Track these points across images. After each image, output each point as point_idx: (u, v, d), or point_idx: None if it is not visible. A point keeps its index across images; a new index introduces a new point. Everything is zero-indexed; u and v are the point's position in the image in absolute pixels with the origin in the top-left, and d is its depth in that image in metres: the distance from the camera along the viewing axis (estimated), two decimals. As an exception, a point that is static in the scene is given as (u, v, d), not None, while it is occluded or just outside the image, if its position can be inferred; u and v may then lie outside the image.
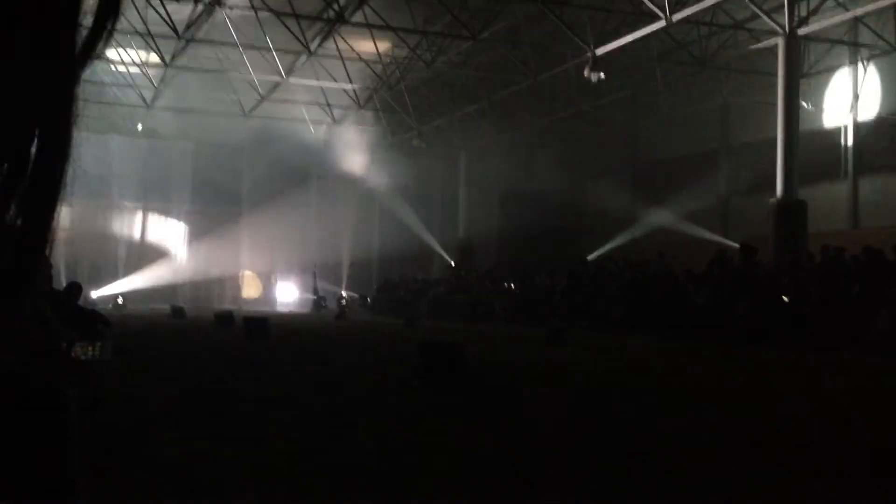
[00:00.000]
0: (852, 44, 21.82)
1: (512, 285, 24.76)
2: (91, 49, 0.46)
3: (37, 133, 0.43)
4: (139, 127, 30.94)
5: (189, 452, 4.76)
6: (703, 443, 5.37)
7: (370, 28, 21.22)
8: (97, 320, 10.26)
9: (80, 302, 11.37)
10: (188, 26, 21.77)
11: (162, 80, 25.69)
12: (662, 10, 18.26)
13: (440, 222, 35.86)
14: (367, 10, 19.97)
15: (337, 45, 22.97)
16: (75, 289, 10.10)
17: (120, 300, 28.66)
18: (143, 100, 27.39)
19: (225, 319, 17.96)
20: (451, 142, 34.37)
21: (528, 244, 32.82)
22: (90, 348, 8.01)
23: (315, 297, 31.96)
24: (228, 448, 4.93)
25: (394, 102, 29.37)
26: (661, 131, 28.75)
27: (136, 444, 5.00)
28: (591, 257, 25.88)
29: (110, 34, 0.48)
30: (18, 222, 0.43)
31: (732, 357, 12.09)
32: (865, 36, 21.32)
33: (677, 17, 18.25)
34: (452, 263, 33.02)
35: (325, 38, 22.06)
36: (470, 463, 4.57)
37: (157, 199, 32.33)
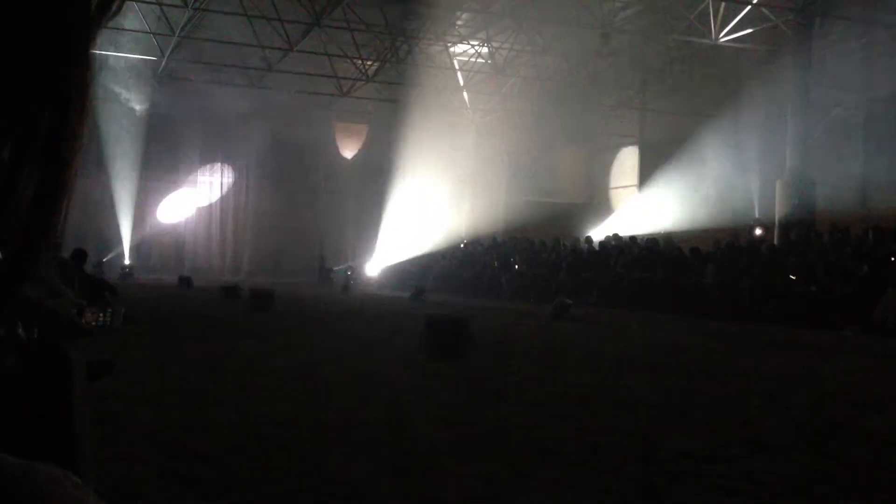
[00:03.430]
0: (864, 21, 21.58)
1: (518, 260, 24.74)
2: (104, 12, 0.45)
3: (50, 97, 0.43)
4: (146, 98, 30.84)
5: (196, 420, 4.79)
6: (705, 418, 5.39)
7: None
8: (104, 288, 10.31)
9: (89, 270, 11.42)
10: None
11: (171, 49, 25.61)
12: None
13: (449, 195, 35.77)
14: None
15: (345, 16, 22.85)
16: (81, 255, 10.13)
17: (127, 269, 28.74)
18: (151, 68, 27.33)
19: (231, 291, 18.01)
20: (462, 115, 34.24)
21: (538, 218, 32.80)
22: (101, 315, 8.05)
23: (321, 269, 32.03)
24: (234, 417, 4.96)
25: (403, 75, 29.23)
26: (670, 105, 28.54)
27: (144, 411, 5.03)
28: (595, 234, 25.81)
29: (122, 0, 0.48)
30: (31, 189, 0.43)
31: (737, 335, 12.10)
32: (878, 13, 21.08)
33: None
34: (465, 237, 32.97)
35: (333, 8, 21.93)
36: (476, 435, 4.59)
37: (164, 169, 32.28)
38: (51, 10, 0.42)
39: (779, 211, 18.15)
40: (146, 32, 23.82)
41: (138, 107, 30.72)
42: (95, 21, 0.44)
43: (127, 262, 29.98)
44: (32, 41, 0.41)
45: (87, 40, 0.44)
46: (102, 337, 8.28)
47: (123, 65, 27.21)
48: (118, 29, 24.03)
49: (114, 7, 0.46)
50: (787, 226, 17.35)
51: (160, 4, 21.67)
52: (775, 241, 17.35)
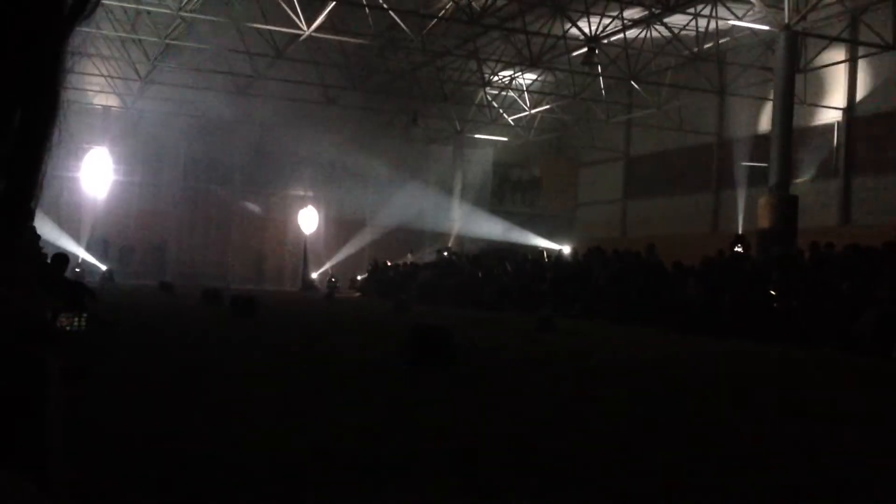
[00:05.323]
0: (849, 41, 21.83)
1: (505, 268, 24.73)
2: (80, 11, 0.44)
3: (24, 94, 0.42)
4: (132, 101, 30.75)
5: (172, 428, 4.75)
6: (686, 432, 5.40)
7: (367, 8, 21.09)
8: (83, 293, 10.23)
9: (68, 274, 11.33)
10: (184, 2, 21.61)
11: (156, 55, 25.52)
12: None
13: (433, 206, 35.87)
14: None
15: (333, 25, 22.85)
16: (62, 260, 10.06)
17: (108, 275, 28.53)
18: (137, 73, 27.22)
19: (212, 296, 17.94)
20: (447, 125, 34.32)
21: (520, 229, 32.88)
22: (75, 319, 7.99)
23: (304, 278, 31.97)
24: (213, 423, 4.92)
25: (390, 84, 29.28)
26: (655, 123, 28.75)
27: (120, 417, 4.99)
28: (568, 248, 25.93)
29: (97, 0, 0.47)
30: (2, 185, 0.42)
31: (717, 349, 12.15)
32: (862, 33, 21.33)
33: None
34: (449, 246, 33.01)
35: (321, 18, 21.93)
36: (456, 446, 4.58)
37: (147, 174, 32.16)
38: (23, 12, 0.41)
39: (761, 226, 18.27)
40: (133, 37, 23.72)
41: (127, 111, 30.50)
42: (68, 23, 0.43)
43: (104, 266, 29.70)
44: (4, 42, 0.41)
45: (60, 42, 0.43)
46: (79, 342, 8.22)
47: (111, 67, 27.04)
48: (105, 34, 23.95)
49: (87, 9, 0.45)
50: (769, 241, 17.46)
51: (147, 8, 21.56)
52: (757, 256, 17.45)
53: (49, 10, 0.43)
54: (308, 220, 33.81)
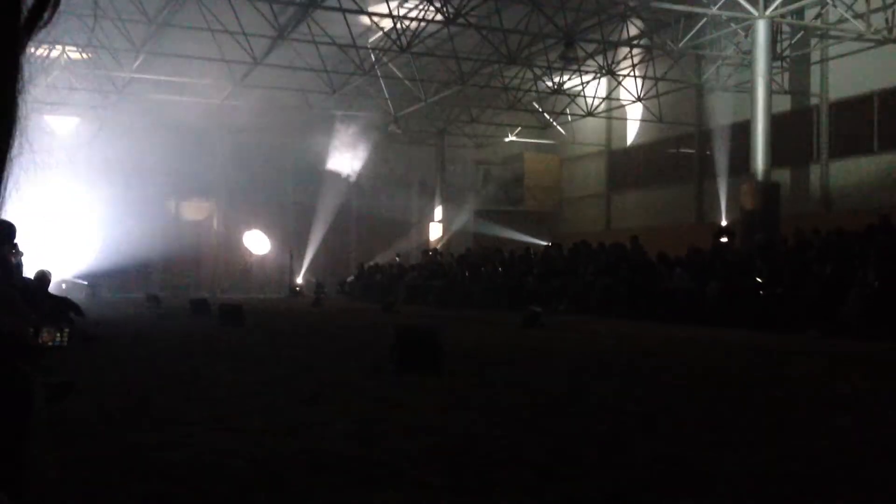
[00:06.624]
0: (825, 27, 21.94)
1: (492, 265, 24.74)
2: (36, 19, 0.43)
3: None
4: (109, 114, 30.55)
5: (161, 439, 4.72)
6: (675, 422, 5.41)
7: (343, 12, 21.03)
8: (68, 308, 10.17)
9: (52, 289, 11.24)
10: (160, 10, 21.48)
11: (133, 64, 25.35)
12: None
13: (418, 207, 35.86)
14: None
15: (311, 30, 22.78)
16: (45, 276, 10.00)
17: (90, 287, 28.28)
18: (114, 86, 27.03)
19: (200, 306, 17.85)
20: (428, 127, 34.29)
21: (505, 227, 32.92)
22: (57, 334, 7.92)
23: (291, 284, 31.86)
24: (201, 434, 4.89)
25: (369, 88, 29.21)
26: (635, 115, 28.83)
27: (110, 430, 4.95)
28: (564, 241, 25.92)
29: (56, 6, 0.45)
30: None
31: (705, 338, 12.19)
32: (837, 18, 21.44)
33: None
34: (435, 247, 32.99)
35: (298, 23, 21.88)
36: (446, 445, 4.57)
37: (127, 187, 31.94)
38: None
39: (744, 213, 18.37)
40: (107, 48, 23.54)
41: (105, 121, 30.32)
42: (25, 30, 0.42)
43: (85, 281, 29.44)
44: None
45: (16, 49, 0.42)
46: (65, 357, 8.15)
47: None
48: (77, 45, 23.77)
49: (45, 15, 0.44)
50: (752, 229, 17.54)
51: (121, 19, 21.40)
52: (741, 245, 17.54)
53: (5, 18, 0.43)
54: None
